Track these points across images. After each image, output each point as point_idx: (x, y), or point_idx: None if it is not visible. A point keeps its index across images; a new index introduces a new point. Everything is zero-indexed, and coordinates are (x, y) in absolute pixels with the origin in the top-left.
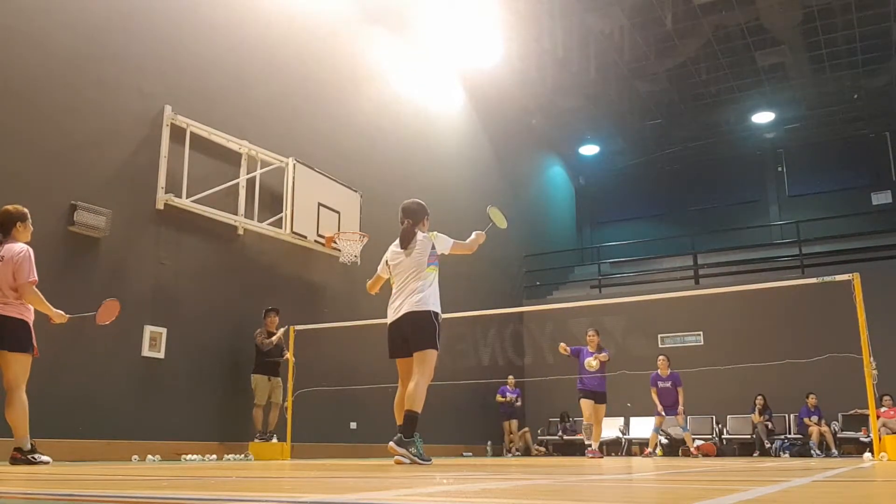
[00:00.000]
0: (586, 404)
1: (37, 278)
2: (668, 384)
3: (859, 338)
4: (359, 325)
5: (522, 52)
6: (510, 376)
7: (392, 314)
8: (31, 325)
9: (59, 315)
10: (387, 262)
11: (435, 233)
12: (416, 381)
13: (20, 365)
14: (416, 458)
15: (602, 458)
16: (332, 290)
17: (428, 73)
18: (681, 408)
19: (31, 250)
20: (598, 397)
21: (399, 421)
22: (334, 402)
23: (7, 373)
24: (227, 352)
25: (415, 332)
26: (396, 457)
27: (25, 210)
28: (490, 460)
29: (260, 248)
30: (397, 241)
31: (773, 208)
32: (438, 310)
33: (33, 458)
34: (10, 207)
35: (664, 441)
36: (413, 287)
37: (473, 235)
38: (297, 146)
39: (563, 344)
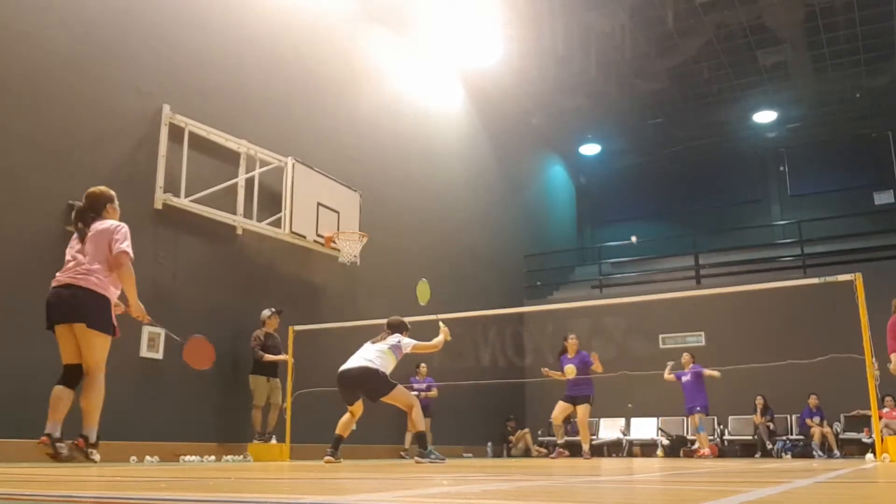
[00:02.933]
0: (560, 405)
1: (132, 254)
2: (689, 377)
3: (861, 338)
4: (358, 325)
5: (523, 50)
6: (422, 364)
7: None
8: (112, 305)
9: (139, 309)
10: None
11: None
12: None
13: (101, 345)
14: (436, 461)
15: (564, 457)
16: (331, 291)
17: (428, 72)
18: (714, 372)
19: (126, 227)
20: (577, 399)
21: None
22: (334, 403)
23: (87, 353)
24: (225, 352)
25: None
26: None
27: (112, 192)
28: (490, 461)
29: (259, 248)
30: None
31: (775, 208)
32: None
33: (91, 452)
34: (96, 189)
35: (665, 442)
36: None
37: (439, 337)
38: (296, 145)
39: (544, 369)
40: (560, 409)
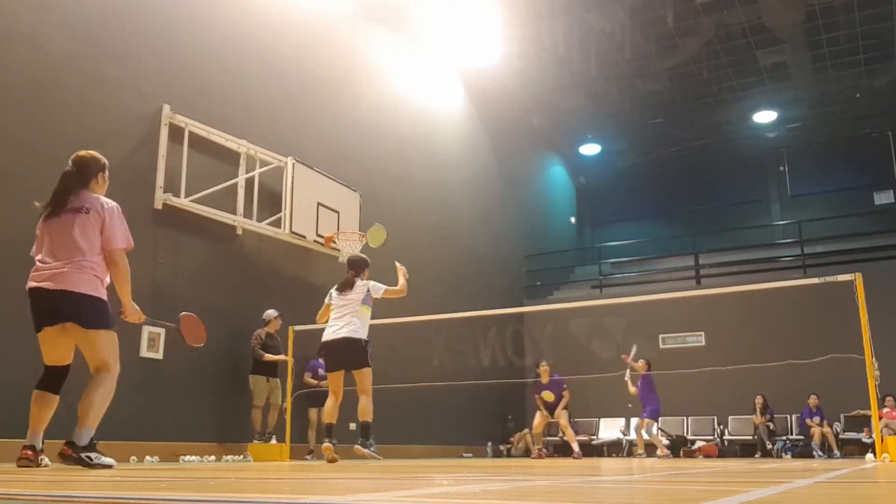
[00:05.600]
0: (538, 415)
1: (132, 244)
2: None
3: (861, 338)
4: None
5: (523, 50)
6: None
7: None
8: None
9: (134, 311)
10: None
11: (371, 282)
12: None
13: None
14: (374, 455)
15: (544, 457)
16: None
17: (428, 72)
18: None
19: (119, 208)
20: (551, 409)
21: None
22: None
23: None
24: (225, 352)
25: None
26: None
27: (104, 160)
28: (490, 461)
29: (259, 248)
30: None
31: (775, 208)
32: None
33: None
34: (86, 154)
35: (665, 442)
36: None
37: (401, 279)
38: (296, 145)
39: (538, 396)
40: (540, 419)
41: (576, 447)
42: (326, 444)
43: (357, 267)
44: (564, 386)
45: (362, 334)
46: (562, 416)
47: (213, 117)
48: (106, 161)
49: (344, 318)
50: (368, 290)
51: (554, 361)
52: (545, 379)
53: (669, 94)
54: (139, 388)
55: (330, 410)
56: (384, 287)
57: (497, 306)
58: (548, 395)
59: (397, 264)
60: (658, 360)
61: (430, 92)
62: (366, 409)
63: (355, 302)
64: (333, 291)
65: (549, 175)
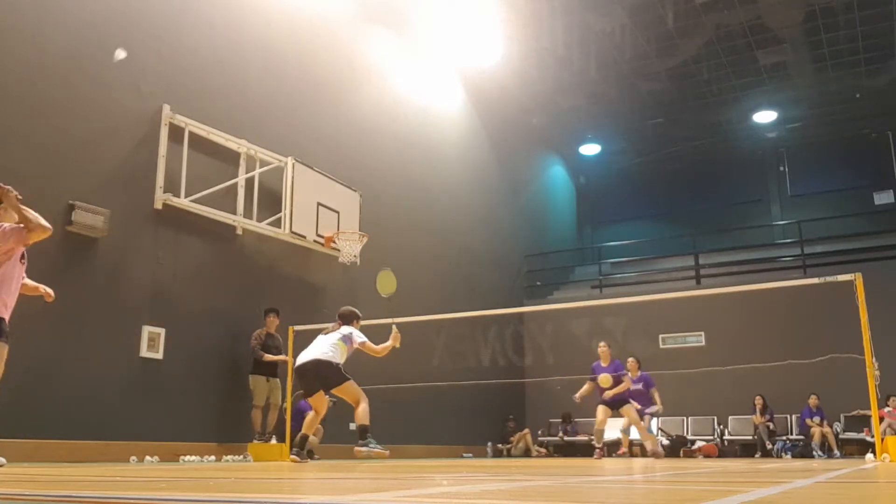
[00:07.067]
0: (601, 409)
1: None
2: (640, 385)
3: (861, 338)
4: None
5: (523, 51)
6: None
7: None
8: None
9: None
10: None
11: (357, 330)
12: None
13: None
14: (377, 449)
15: (603, 457)
16: (331, 291)
17: (428, 73)
18: (657, 407)
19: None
20: (617, 404)
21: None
22: (333, 402)
23: None
24: (225, 352)
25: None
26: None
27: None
28: (490, 461)
29: (259, 248)
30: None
31: (775, 208)
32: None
33: None
34: None
35: (665, 442)
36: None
37: (388, 342)
38: (296, 145)
39: (577, 396)
40: (602, 414)
41: (650, 445)
42: (293, 456)
43: (345, 319)
44: (625, 372)
45: (332, 358)
46: (629, 409)
47: (213, 117)
48: (10, 188)
49: (317, 347)
50: (351, 333)
51: (554, 361)
52: (605, 361)
53: (669, 94)
54: (139, 388)
55: (309, 422)
56: (364, 338)
57: (497, 306)
58: (605, 380)
59: (395, 329)
60: (658, 360)
61: (430, 92)
62: (360, 414)
63: (334, 336)
64: (320, 335)
65: (549, 175)
